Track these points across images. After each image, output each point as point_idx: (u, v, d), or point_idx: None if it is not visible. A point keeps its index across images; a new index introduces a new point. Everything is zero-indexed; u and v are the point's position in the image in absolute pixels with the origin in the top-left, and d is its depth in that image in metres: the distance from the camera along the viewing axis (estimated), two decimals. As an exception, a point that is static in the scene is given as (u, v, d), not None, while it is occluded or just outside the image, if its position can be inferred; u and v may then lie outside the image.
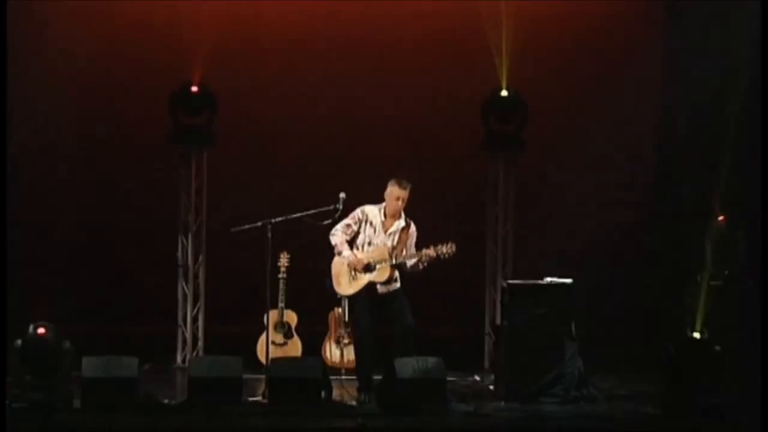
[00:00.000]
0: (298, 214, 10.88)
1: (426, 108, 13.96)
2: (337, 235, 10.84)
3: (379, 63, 13.91)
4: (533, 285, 11.21)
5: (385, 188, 10.96)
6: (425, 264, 10.65)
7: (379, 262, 10.69)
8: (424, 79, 13.91)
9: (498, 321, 12.60)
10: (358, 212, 10.89)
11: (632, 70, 13.88)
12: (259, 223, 10.85)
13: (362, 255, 10.76)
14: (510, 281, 11.69)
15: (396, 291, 10.78)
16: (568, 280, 11.15)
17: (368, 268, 10.71)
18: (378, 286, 10.74)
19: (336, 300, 12.23)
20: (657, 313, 13.40)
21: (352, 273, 10.76)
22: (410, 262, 10.70)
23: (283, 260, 12.52)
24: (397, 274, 10.78)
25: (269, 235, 10.78)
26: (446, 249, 10.56)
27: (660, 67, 14.04)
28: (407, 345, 10.55)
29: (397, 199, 10.74)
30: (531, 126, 13.44)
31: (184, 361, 13.35)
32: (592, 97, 13.89)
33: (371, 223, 10.83)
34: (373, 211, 10.87)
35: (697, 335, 11.77)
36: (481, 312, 13.73)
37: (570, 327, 11.06)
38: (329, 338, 12.67)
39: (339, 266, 10.84)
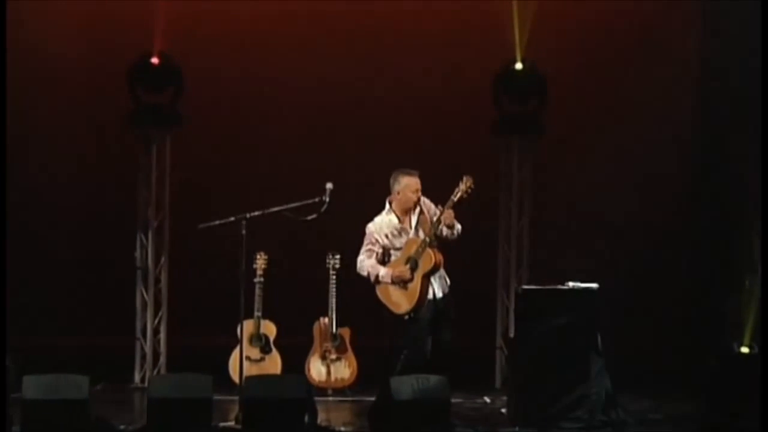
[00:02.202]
0: (278, 208, 10.77)
1: (425, 86, 13.94)
2: (365, 263, 10.88)
3: (372, 36, 13.92)
4: (552, 290, 11.11)
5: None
6: (452, 208, 10.61)
7: (416, 252, 10.74)
8: (422, 53, 13.90)
9: (511, 333, 12.60)
10: (370, 234, 10.86)
11: (666, 48, 13.90)
12: (232, 219, 10.75)
13: (397, 262, 10.79)
14: (525, 286, 11.67)
15: (450, 298, 10.85)
16: (594, 285, 11.05)
17: (412, 267, 10.74)
18: (435, 288, 10.75)
19: (323, 310, 12.22)
20: (697, 323, 13.46)
21: (401, 285, 10.79)
22: (442, 228, 10.70)
23: (260, 262, 12.48)
24: (445, 275, 10.77)
25: (243, 232, 10.67)
26: (464, 186, 10.60)
27: (695, 48, 14.09)
28: (444, 361, 10.61)
29: (416, 191, 10.82)
30: (550, 106, 13.37)
31: (143, 379, 13.33)
32: (621, 76, 13.90)
33: (390, 235, 10.86)
34: (382, 222, 10.88)
35: (745, 350, 11.79)
36: (491, 322, 13.70)
37: (595, 340, 10.97)
38: (314, 353, 12.62)
39: (385, 289, 10.86)
